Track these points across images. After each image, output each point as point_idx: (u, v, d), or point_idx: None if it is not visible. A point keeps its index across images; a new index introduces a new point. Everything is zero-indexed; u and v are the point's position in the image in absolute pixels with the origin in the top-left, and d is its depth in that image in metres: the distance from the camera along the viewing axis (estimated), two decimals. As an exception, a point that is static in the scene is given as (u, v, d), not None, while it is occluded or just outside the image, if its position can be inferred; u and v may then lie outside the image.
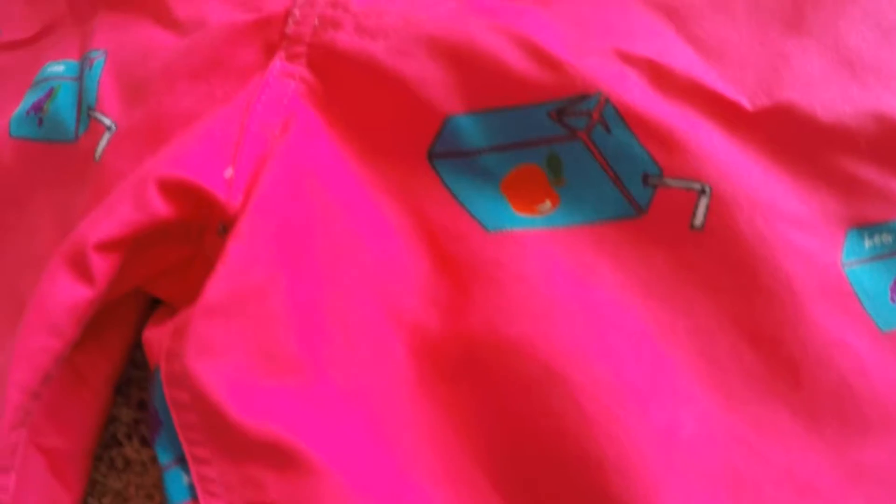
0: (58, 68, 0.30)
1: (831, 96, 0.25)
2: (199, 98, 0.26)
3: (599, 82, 0.24)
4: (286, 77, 0.26)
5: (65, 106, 0.28)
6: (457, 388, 0.23)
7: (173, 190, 0.23)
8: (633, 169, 0.24)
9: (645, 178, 0.24)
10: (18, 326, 0.23)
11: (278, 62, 0.26)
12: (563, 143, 0.25)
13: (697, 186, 0.24)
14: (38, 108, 0.29)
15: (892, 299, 0.24)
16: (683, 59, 0.26)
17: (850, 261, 0.24)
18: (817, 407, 0.23)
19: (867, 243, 0.24)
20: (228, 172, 0.24)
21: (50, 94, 0.29)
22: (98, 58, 0.28)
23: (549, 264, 0.24)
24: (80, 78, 0.28)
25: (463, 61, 0.25)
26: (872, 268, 0.24)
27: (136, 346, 0.27)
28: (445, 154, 0.25)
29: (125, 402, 0.27)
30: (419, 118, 0.25)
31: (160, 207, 0.23)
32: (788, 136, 0.25)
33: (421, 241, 0.25)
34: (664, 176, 0.24)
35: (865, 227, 0.24)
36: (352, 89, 0.26)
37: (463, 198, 0.25)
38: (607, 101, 0.24)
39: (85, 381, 0.26)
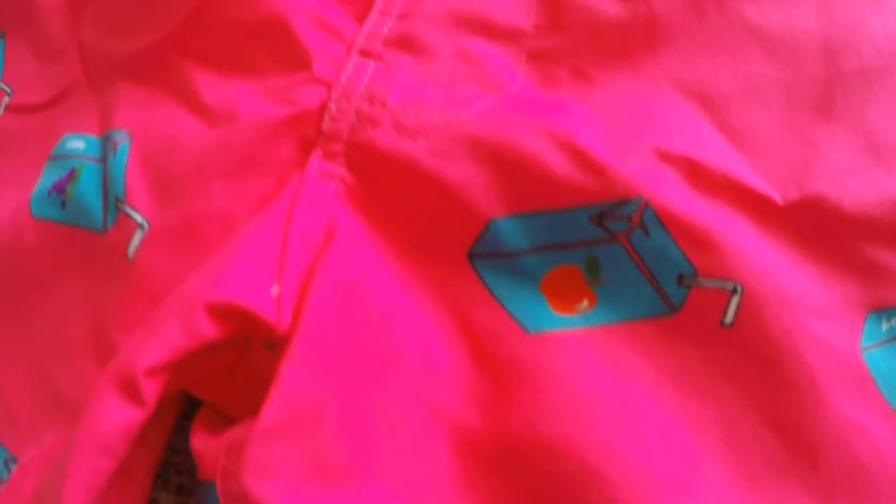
0: (77, 144, 0.29)
1: (857, 185, 0.26)
2: (234, 197, 0.25)
3: (640, 186, 0.25)
4: (325, 178, 0.25)
5: (89, 191, 0.27)
6: (497, 483, 0.24)
7: (222, 313, 0.23)
8: (668, 269, 0.25)
9: (680, 279, 0.25)
10: (67, 442, 0.23)
11: (315, 161, 0.26)
12: (603, 245, 0.25)
13: (730, 286, 0.25)
14: (60, 189, 0.28)
15: None
16: (719, 152, 0.26)
17: (869, 345, 0.25)
18: (833, 486, 0.25)
19: (884, 326, 0.26)
20: (275, 290, 0.24)
21: (72, 175, 0.28)
22: (122, 141, 0.27)
23: (586, 363, 0.25)
24: (103, 160, 0.28)
25: (505, 165, 0.25)
26: (888, 349, 0.26)
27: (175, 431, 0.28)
28: (486, 255, 0.25)
29: (164, 486, 0.28)
30: (461, 221, 0.25)
31: (209, 331, 0.23)
32: (815, 227, 0.26)
33: (462, 342, 0.25)
34: (698, 276, 0.25)
35: (884, 311, 0.26)
36: (392, 190, 0.25)
37: (503, 298, 0.25)
38: (647, 204, 0.25)
39: (129, 476, 0.26)
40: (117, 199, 0.26)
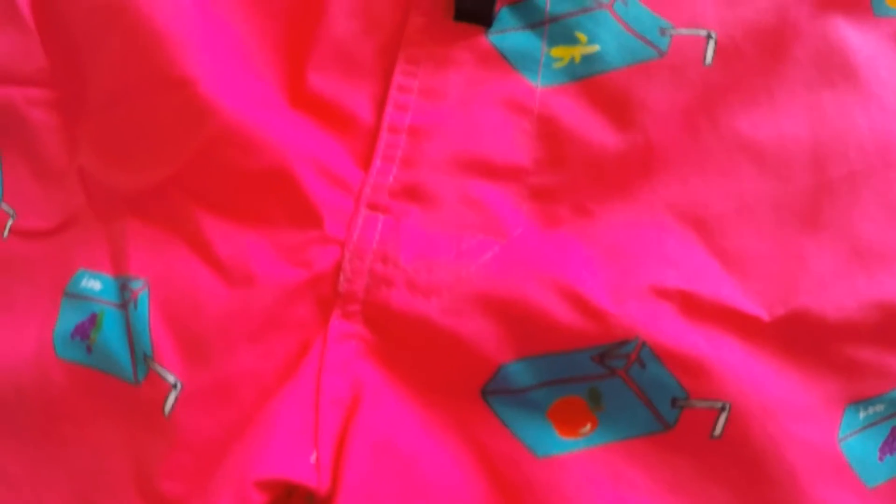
0: (94, 285, 0.30)
1: (840, 293, 0.28)
2: (261, 358, 0.27)
3: (637, 328, 0.27)
4: (346, 338, 0.27)
5: (113, 339, 0.29)
6: None
7: (269, 485, 0.26)
8: (663, 394, 0.28)
9: (673, 402, 0.28)
10: None
11: (336, 322, 0.27)
12: (604, 379, 0.28)
13: (719, 405, 0.28)
14: (83, 334, 0.29)
15: (880, 458, 0.28)
16: (711, 278, 0.28)
17: (846, 434, 0.28)
18: None
19: (861, 414, 0.28)
20: (313, 457, 0.26)
21: (93, 321, 0.29)
22: (140, 290, 0.28)
23: (590, 480, 0.28)
24: (123, 306, 0.29)
25: (514, 317, 0.27)
26: (864, 435, 0.28)
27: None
28: (497, 391, 0.28)
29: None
30: (474, 367, 0.27)
31: (259, 500, 0.26)
32: (799, 336, 0.28)
33: (481, 470, 0.28)
34: (690, 398, 0.28)
35: (861, 402, 0.28)
36: (410, 343, 0.27)
37: (514, 427, 0.28)
38: (644, 343, 0.27)
39: None
40: (146, 356, 0.28)
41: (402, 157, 0.28)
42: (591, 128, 0.28)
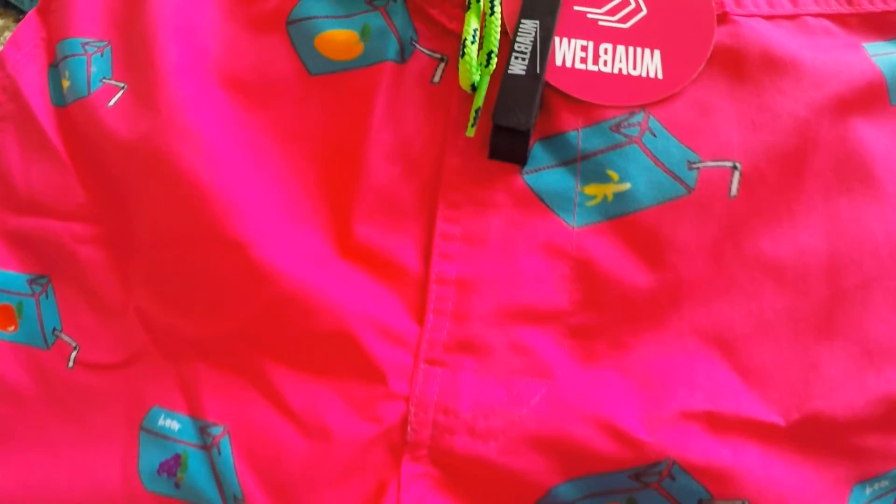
0: (172, 425, 0.32)
1: (850, 394, 0.31)
2: (344, 499, 0.31)
3: (669, 451, 0.31)
4: (417, 477, 0.31)
5: (201, 479, 0.32)
6: None
7: None
8: (691, 498, 0.32)
9: (699, 502, 0.32)
10: None
11: (407, 465, 0.30)
12: (640, 491, 0.32)
13: (739, 503, 0.32)
14: (170, 472, 0.32)
15: None
16: (733, 394, 0.32)
17: None
18: None
19: (868, 490, 0.32)
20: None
21: (178, 461, 0.32)
22: (221, 436, 0.31)
23: None
24: (206, 449, 0.32)
25: (562, 450, 0.30)
26: None
27: None
28: (547, 505, 0.32)
29: None
30: (527, 491, 0.31)
31: None
32: (812, 436, 0.31)
33: None
34: (714, 499, 0.32)
35: (868, 480, 0.32)
36: (472, 476, 0.31)
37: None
38: (674, 462, 0.31)
39: None
40: (236, 498, 0.31)
41: (453, 311, 0.30)
42: (624, 268, 0.31)
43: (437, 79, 0.33)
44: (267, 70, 0.34)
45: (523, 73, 0.31)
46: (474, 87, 0.31)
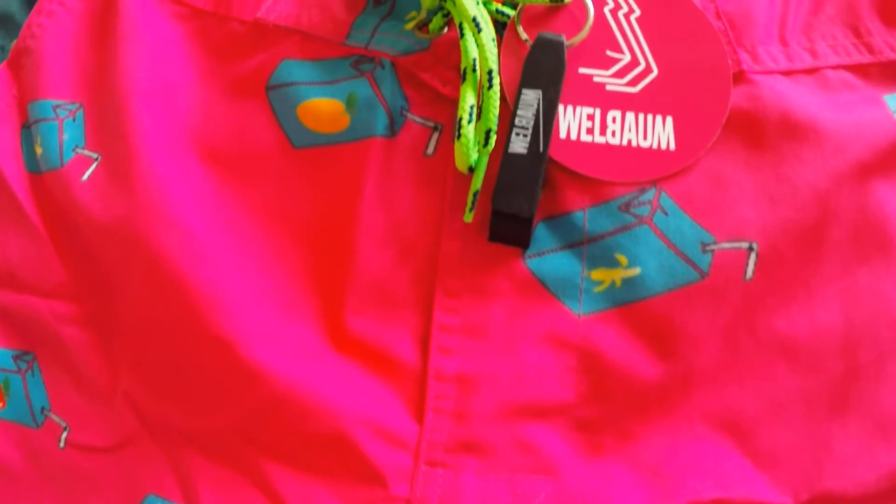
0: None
1: (862, 470, 0.30)
2: None
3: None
4: None
5: None
6: None
7: None
8: None
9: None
10: None
11: None
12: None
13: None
14: None
15: None
16: (743, 480, 0.30)
17: None
18: None
19: None
20: None
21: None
22: None
23: None
24: None
25: None
26: None
27: None
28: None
29: None
30: None
31: None
32: None
33: None
34: None
35: None
36: None
37: None
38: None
39: None
40: None
41: (454, 409, 0.29)
42: (633, 359, 0.29)
43: (430, 150, 0.31)
44: (247, 141, 0.32)
45: (525, 151, 0.29)
46: (472, 168, 0.29)
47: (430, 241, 0.30)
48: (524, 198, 0.28)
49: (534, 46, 0.30)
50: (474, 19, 0.29)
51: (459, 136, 0.28)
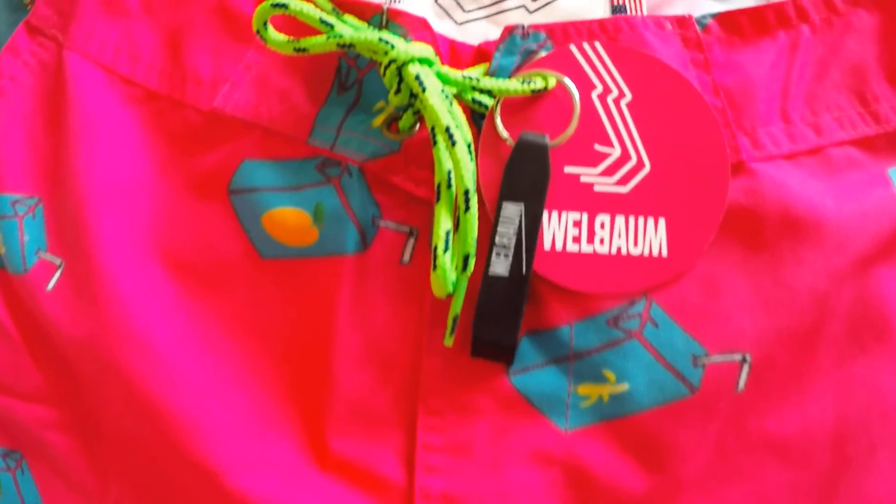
0: None
1: None
2: None
3: None
4: None
5: None
6: None
7: None
8: None
9: None
10: None
11: None
12: None
13: None
14: None
15: None
16: None
17: None
18: None
19: None
20: None
21: None
22: None
23: None
24: None
25: None
26: None
27: None
28: None
29: None
30: None
31: None
32: None
33: None
34: None
35: None
36: None
37: None
38: None
39: None
40: None
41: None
42: (619, 473, 0.28)
43: (406, 258, 0.29)
44: (214, 249, 0.30)
45: (506, 273, 0.27)
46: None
47: (409, 358, 0.29)
48: (506, 325, 0.27)
49: (515, 151, 0.27)
50: (447, 130, 0.26)
51: (435, 266, 0.26)
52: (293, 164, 0.30)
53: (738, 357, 0.28)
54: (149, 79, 0.32)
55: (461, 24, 0.31)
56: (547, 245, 0.28)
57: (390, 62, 0.27)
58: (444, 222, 0.26)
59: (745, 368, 0.28)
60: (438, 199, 0.27)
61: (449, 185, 0.27)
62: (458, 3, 0.31)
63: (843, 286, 0.28)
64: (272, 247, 0.30)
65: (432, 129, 0.27)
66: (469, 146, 0.27)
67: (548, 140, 0.28)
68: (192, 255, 0.30)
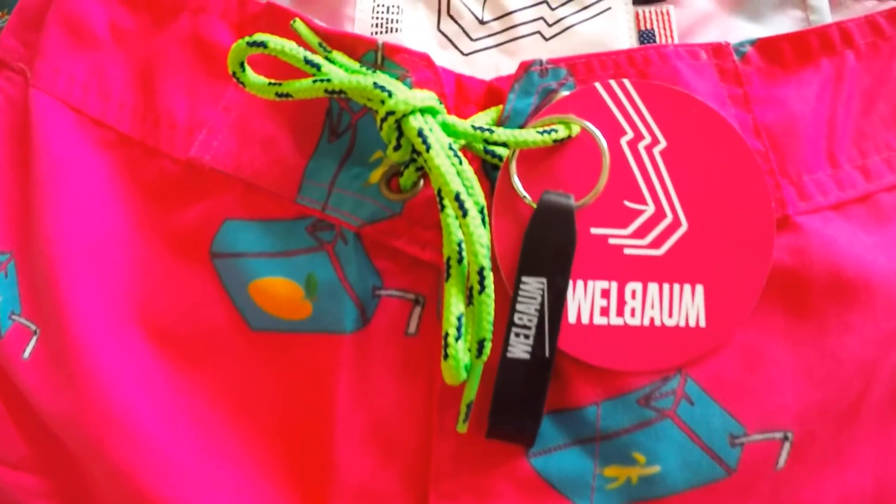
0: None
1: None
2: None
3: None
4: None
5: None
6: None
7: None
8: None
9: None
10: None
11: None
12: None
13: None
14: None
15: None
16: None
17: None
18: None
19: None
20: None
21: None
22: None
23: None
24: None
25: None
26: None
27: None
28: None
29: None
30: None
31: None
32: None
33: None
34: None
35: None
36: None
37: None
38: None
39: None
40: None
41: None
42: None
43: (412, 329, 0.26)
44: (198, 318, 0.27)
45: (527, 356, 0.24)
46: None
47: (418, 437, 0.26)
48: (526, 415, 0.24)
49: (536, 216, 0.24)
50: (457, 197, 0.23)
51: (447, 356, 0.23)
52: (280, 225, 0.26)
53: (779, 435, 0.25)
54: (120, 120, 0.29)
55: (468, 54, 0.27)
56: (572, 318, 0.25)
57: (388, 114, 0.23)
58: (454, 305, 0.23)
59: (787, 446, 0.26)
60: (448, 276, 0.23)
61: (460, 260, 0.23)
62: (464, 31, 0.27)
63: (889, 353, 0.26)
64: (262, 318, 0.26)
65: (439, 191, 0.23)
66: (482, 211, 0.23)
67: (573, 201, 0.24)
68: (175, 323, 0.27)
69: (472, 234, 0.23)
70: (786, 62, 0.27)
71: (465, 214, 0.23)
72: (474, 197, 0.23)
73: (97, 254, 0.27)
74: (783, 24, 0.29)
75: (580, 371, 0.25)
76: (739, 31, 0.28)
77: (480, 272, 0.23)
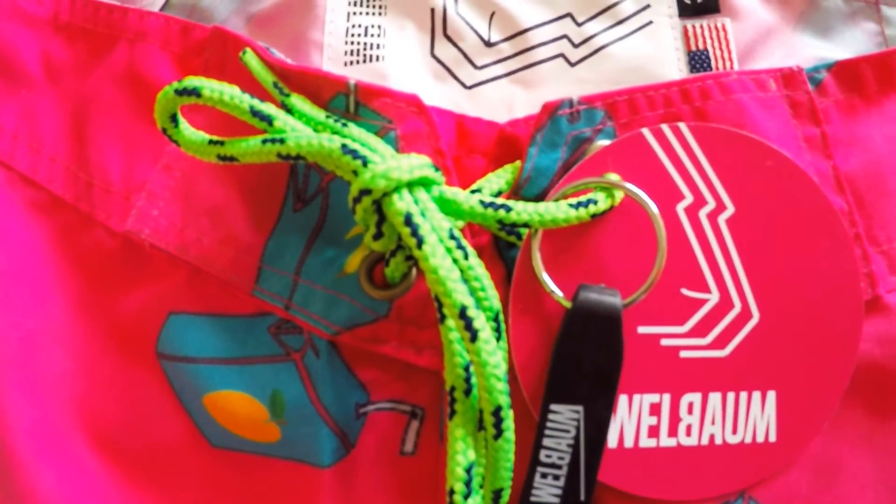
0: None
1: None
2: None
3: None
4: None
5: None
6: None
7: None
8: None
9: None
10: None
11: None
12: None
13: None
14: None
15: None
16: None
17: None
18: None
19: None
20: None
21: None
22: None
23: None
24: None
25: None
26: None
27: None
28: None
29: None
30: None
31: None
32: None
33: None
34: None
35: None
36: None
37: None
38: None
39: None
40: None
41: None
42: None
43: (409, 447, 0.20)
44: (151, 431, 0.21)
45: (557, 500, 0.18)
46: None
47: None
48: (557, 571, 0.19)
49: (569, 323, 0.18)
50: (463, 313, 0.16)
51: (454, 515, 0.17)
52: (236, 322, 0.20)
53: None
54: (52, 179, 0.23)
55: (471, 87, 0.20)
56: (613, 442, 0.19)
57: (361, 193, 0.17)
58: (461, 453, 0.17)
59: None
60: (452, 412, 0.17)
61: (468, 391, 0.17)
62: (466, 56, 0.20)
63: None
64: (223, 436, 0.21)
65: (437, 298, 0.17)
66: (497, 317, 0.17)
67: (619, 300, 0.18)
68: (125, 436, 0.21)
69: (486, 364, 0.17)
70: (866, 90, 0.21)
71: (474, 338, 0.17)
72: (487, 302, 0.17)
73: (33, 349, 0.22)
74: (855, 38, 0.23)
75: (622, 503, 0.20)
76: (807, 49, 0.22)
77: (497, 412, 0.17)
